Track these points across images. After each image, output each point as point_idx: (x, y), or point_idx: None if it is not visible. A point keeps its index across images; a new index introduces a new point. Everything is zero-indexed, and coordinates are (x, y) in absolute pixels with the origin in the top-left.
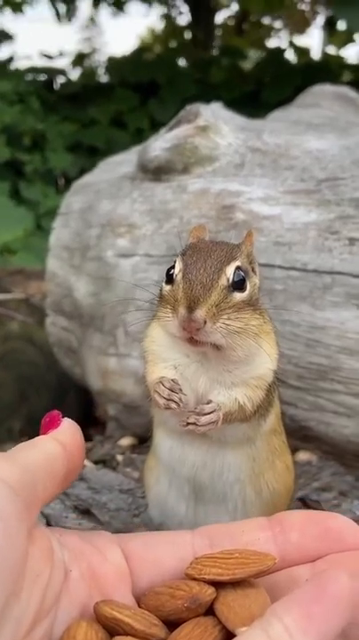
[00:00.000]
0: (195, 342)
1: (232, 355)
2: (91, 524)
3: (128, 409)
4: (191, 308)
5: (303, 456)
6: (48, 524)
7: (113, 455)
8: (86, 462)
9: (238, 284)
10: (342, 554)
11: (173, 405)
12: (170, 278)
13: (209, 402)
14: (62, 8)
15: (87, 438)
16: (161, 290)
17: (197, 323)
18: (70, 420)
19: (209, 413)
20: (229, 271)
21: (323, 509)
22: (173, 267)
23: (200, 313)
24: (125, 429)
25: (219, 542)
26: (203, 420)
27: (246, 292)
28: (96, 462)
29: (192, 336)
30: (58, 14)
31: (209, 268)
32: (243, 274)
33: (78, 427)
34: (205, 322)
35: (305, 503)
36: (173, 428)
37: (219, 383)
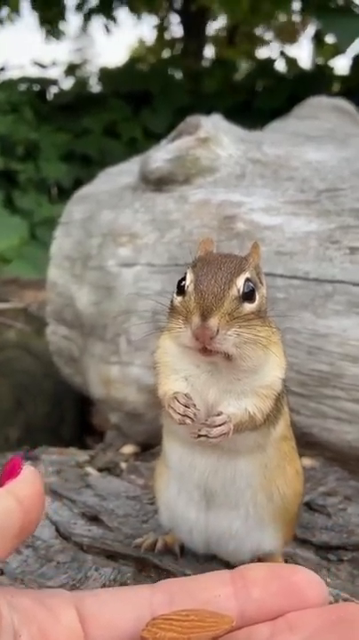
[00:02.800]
0: (208, 352)
1: (242, 365)
2: (101, 531)
3: (130, 417)
4: (204, 317)
5: (306, 462)
6: (57, 531)
7: (116, 463)
8: (90, 470)
9: (248, 295)
10: (302, 612)
11: (188, 421)
12: (181, 290)
13: (219, 413)
14: (47, 26)
15: (84, 447)
16: (172, 301)
17: (211, 331)
18: (31, 468)
19: (220, 425)
20: (239, 282)
21: (329, 514)
22: (184, 278)
23: (213, 321)
24: (127, 437)
25: (178, 599)
26: (215, 432)
27: (255, 303)
28: (100, 470)
29: (205, 345)
30: (46, 34)
31: (220, 280)
32: (252, 285)
33: (39, 475)
34: (218, 330)
35: (311, 508)
36: (184, 438)
37: (229, 393)
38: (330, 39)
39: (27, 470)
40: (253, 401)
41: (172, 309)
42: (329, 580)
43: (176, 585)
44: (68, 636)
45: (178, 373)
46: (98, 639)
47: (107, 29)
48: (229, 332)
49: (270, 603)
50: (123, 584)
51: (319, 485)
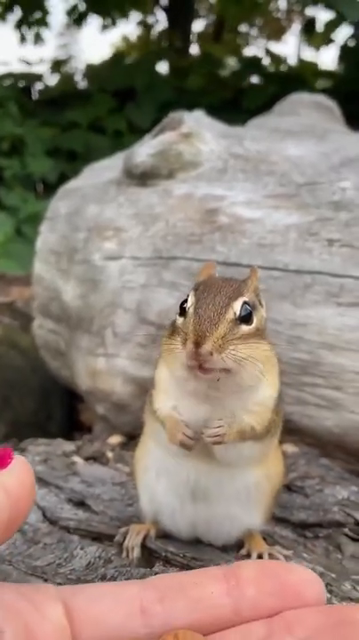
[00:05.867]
0: (205, 370)
1: (240, 380)
2: (87, 514)
3: (116, 408)
4: (198, 344)
5: (290, 449)
6: (44, 515)
7: (103, 452)
8: (77, 459)
9: (245, 318)
10: (299, 610)
11: (185, 448)
12: (183, 311)
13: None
14: (29, 32)
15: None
16: (174, 320)
17: (204, 356)
18: (22, 458)
19: (216, 427)
20: (237, 306)
21: (306, 494)
22: (186, 300)
23: (206, 347)
24: (113, 429)
25: (169, 595)
26: (211, 432)
27: (253, 325)
28: (86, 459)
29: (201, 364)
30: (23, 38)
31: (217, 303)
32: (250, 308)
33: (29, 467)
34: (211, 353)
35: (290, 489)
36: (174, 452)
37: (224, 410)
38: (320, 27)
39: (17, 461)
40: (250, 415)
41: (174, 328)
42: (305, 555)
43: (165, 581)
44: (55, 632)
45: (175, 390)
46: (85, 635)
47: (105, 26)
48: (223, 354)
49: (265, 602)
50: (108, 561)
51: (292, 470)
